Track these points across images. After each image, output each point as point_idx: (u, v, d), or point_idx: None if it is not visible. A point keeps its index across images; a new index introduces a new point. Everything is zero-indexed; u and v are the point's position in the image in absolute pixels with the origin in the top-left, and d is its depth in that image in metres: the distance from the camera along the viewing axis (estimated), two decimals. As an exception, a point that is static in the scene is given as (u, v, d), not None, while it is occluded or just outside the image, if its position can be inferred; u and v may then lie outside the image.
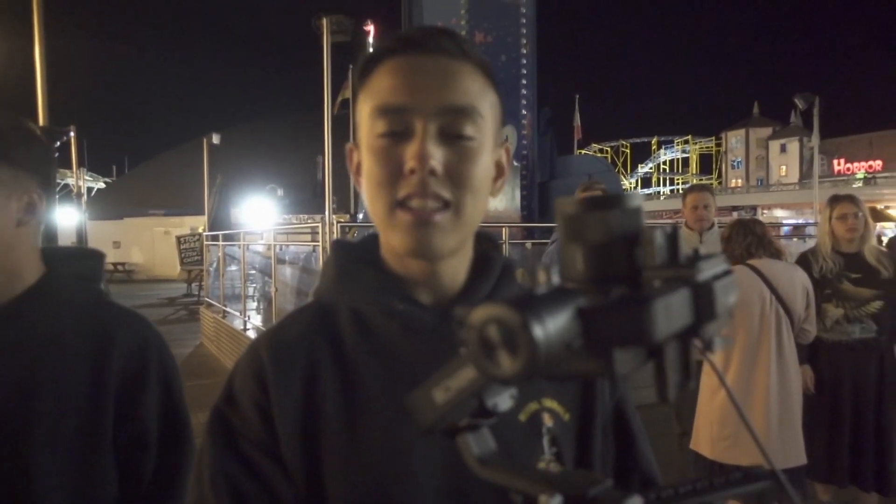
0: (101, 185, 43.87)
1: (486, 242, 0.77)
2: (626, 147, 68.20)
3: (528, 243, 6.93)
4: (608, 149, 66.81)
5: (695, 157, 64.20)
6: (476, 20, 8.56)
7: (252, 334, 6.78)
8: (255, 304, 7.66)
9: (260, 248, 7.37)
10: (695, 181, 57.36)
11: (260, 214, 15.24)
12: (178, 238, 17.50)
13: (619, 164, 67.47)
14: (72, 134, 6.46)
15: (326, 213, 4.66)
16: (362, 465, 0.65)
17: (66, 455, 0.99)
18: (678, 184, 64.10)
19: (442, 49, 0.67)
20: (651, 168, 67.71)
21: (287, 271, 6.20)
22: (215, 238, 10.17)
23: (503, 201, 8.67)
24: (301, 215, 20.70)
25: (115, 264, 26.90)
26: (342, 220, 8.54)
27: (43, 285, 1.07)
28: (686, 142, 64.96)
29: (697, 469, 3.02)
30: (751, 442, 2.74)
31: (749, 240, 2.94)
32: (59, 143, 4.57)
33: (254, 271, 7.49)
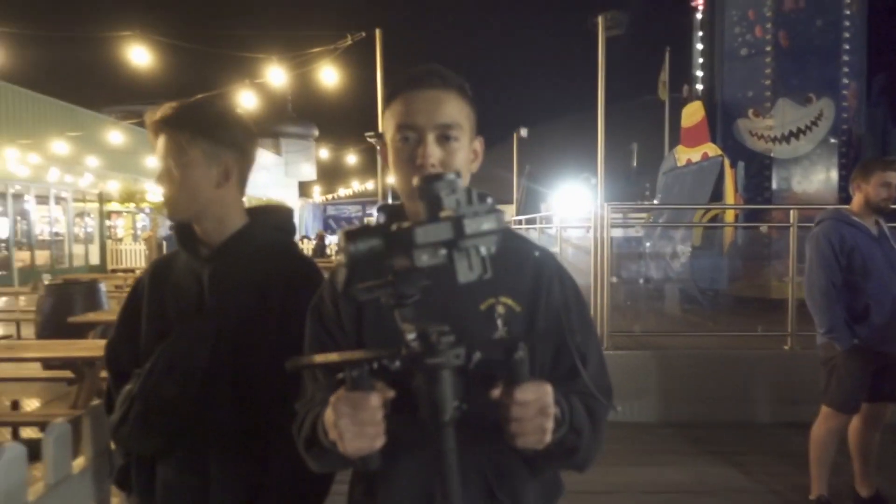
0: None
1: None
2: None
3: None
4: None
5: None
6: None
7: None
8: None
9: (552, 233, 8.05)
10: None
11: (573, 202, 16.03)
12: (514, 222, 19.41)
13: None
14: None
15: (598, 200, 5.06)
16: (384, 328, 1.08)
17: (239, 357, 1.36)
18: None
19: (433, 84, 1.09)
20: None
21: (569, 252, 6.77)
22: (518, 223, 11.31)
23: (814, 183, 7.76)
24: (613, 202, 20.90)
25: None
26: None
27: (243, 231, 1.41)
28: None
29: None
30: None
31: None
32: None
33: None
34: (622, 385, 5.08)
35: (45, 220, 18.68)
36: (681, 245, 7.43)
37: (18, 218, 17.52)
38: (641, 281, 8.10)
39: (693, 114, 8.27)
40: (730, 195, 7.47)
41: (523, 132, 14.30)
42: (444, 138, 1.09)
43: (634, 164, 23.84)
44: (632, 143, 24.91)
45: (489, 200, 0.73)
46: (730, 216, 7.74)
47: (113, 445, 1.62)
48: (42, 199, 18.26)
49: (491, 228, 0.72)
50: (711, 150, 7.88)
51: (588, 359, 1.11)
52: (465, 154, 1.12)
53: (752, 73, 8.04)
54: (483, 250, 0.72)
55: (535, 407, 0.88)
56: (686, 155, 8.38)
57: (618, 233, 8.42)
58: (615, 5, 5.28)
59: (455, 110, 1.10)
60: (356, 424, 0.85)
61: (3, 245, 16.82)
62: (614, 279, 5.25)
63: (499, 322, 1.08)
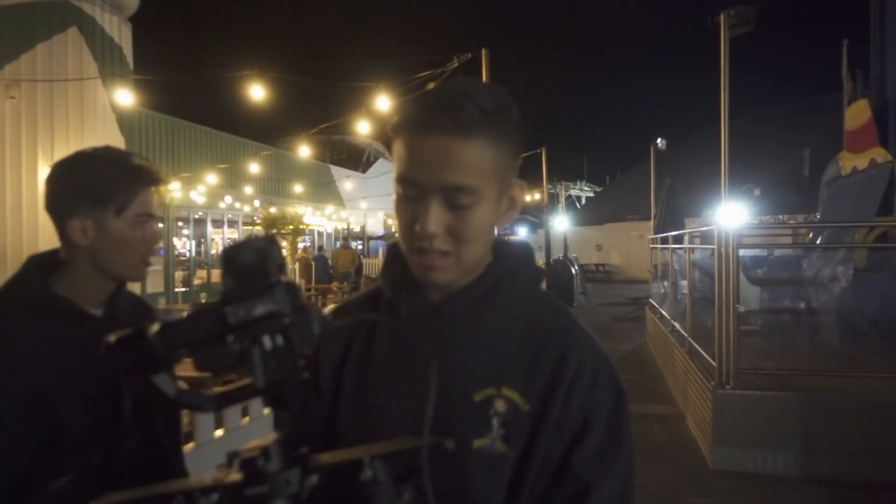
0: (591, 194, 49.18)
1: (507, 256, 0.95)
2: None
3: None
4: None
5: None
6: None
7: (673, 338, 6.85)
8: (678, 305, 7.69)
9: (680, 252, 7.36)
10: None
11: (729, 216, 14.75)
12: (651, 240, 18.45)
13: None
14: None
15: (719, 214, 4.46)
16: (362, 402, 0.92)
17: None
18: None
19: (443, 129, 0.81)
20: None
21: (696, 274, 6.09)
22: (654, 241, 10.53)
23: None
24: (782, 216, 18.99)
25: (596, 265, 29.96)
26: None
27: None
28: None
29: None
30: None
31: None
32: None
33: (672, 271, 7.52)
34: (752, 429, 4.43)
35: (220, 242, 20.83)
36: (841, 266, 6.39)
37: (201, 240, 19.69)
38: (795, 308, 7.12)
39: (858, 114, 7.11)
40: (903, 208, 6.32)
41: (661, 143, 13.37)
42: (453, 205, 0.84)
43: (807, 173, 21.46)
44: (804, 148, 22.42)
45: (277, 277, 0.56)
46: (903, 233, 6.54)
47: None
48: (217, 223, 20.39)
49: (268, 311, 0.56)
50: (880, 155, 6.69)
51: (595, 491, 0.83)
52: (487, 215, 0.87)
53: (934, 62, 6.78)
54: (270, 342, 0.57)
55: None
56: (851, 162, 7.24)
57: (765, 253, 7.50)
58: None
59: (471, 165, 0.82)
60: None
61: (188, 264, 18.95)
62: (740, 307, 4.59)
63: (494, 422, 0.84)
